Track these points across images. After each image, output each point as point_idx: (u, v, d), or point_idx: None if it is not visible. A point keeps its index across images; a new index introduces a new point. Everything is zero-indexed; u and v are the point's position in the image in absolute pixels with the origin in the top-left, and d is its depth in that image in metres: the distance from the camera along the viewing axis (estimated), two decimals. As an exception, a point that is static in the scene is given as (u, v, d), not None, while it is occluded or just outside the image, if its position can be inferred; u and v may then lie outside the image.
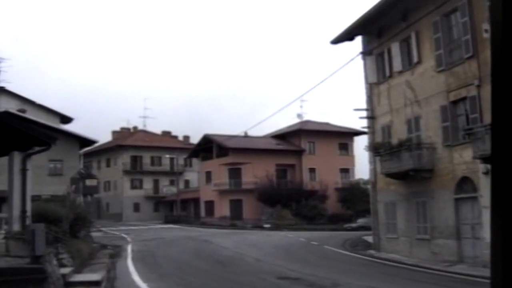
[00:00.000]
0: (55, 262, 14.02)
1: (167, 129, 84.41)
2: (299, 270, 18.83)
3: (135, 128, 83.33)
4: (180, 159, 73.85)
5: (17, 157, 15.14)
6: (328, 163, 60.59)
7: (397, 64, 24.79)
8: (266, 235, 39.61)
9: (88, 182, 31.36)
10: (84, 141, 36.75)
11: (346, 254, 26.09)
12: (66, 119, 41.10)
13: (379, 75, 26.44)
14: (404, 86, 24.26)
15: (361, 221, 48.91)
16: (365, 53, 27.21)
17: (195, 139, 72.90)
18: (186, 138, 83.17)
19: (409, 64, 24.15)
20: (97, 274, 15.87)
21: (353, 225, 48.72)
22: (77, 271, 16.02)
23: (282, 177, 60.32)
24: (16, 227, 14.59)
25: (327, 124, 66.96)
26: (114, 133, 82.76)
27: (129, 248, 27.72)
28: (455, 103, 21.14)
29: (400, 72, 24.67)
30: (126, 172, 74.95)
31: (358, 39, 27.83)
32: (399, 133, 24.39)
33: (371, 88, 27.20)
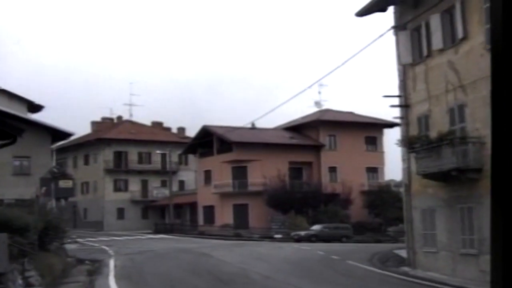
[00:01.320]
0: (20, 281, 13.93)
1: (157, 119, 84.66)
2: (317, 291, 18.69)
3: (119, 118, 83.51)
4: (174, 156, 73.94)
5: (-26, 153, 15.06)
6: (352, 161, 60.45)
7: (438, 41, 24.54)
8: (276, 247, 39.56)
9: (62, 184, 31.31)
10: (57, 134, 36.71)
11: (374, 271, 25.99)
12: (35, 107, 41.08)
13: (415, 55, 26.25)
14: (445, 67, 24.02)
15: (315, 228, 48.26)
16: (398, 28, 27.01)
17: (191, 132, 73.07)
18: (181, 130, 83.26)
19: (452, 41, 23.88)
20: (71, 296, 15.79)
21: (302, 233, 48.04)
22: (47, 291, 15.92)
23: (297, 177, 60.24)
24: (-27, 238, 14.49)
25: (351, 113, 66.76)
26: (94, 124, 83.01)
27: (112, 263, 27.74)
28: (508, 88, 20.87)
29: (441, 51, 24.43)
30: (108, 171, 75.16)
31: (390, 10, 27.59)
32: (439, 125, 24.17)
33: (405, 70, 27.03)
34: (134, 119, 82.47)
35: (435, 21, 24.63)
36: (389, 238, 48.97)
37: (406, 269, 26.11)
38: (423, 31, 25.65)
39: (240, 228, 55.81)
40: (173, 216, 66.62)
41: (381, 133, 64.82)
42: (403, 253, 29.35)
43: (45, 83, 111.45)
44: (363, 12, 27.74)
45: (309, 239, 46.02)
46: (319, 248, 37.45)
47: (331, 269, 25.85)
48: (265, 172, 56.94)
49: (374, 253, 33.13)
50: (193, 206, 66.24)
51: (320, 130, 62.12)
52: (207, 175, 62.79)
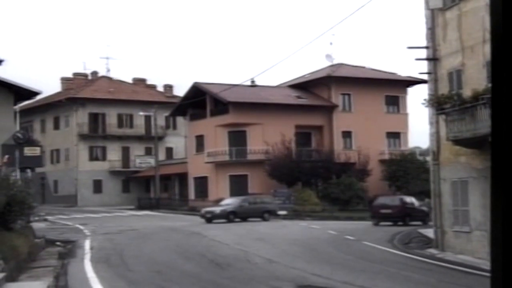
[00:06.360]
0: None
1: (140, 75, 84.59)
2: (328, 276, 18.84)
3: (94, 74, 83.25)
4: (160, 118, 73.83)
5: None
6: (370, 125, 60.49)
7: (474, -20, 24.30)
8: (281, 225, 39.84)
9: (28, 151, 31.21)
10: (21, 92, 36.50)
11: (395, 253, 26.18)
12: (-6, 61, 40.81)
13: (447, -4, 26.04)
14: (483, 12, 23.77)
15: (232, 203, 46.34)
16: (426, -36, 26.74)
17: (180, 90, 73.01)
18: (168, 88, 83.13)
19: (492, -20, 23.64)
20: (40, 283, 15.88)
21: (217, 209, 44.80)
22: (12, 277, 16.01)
23: (304, 144, 60.36)
24: None
25: (368, 69, 66.58)
26: (65, 81, 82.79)
27: (87, 244, 27.99)
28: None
29: (478, -8, 24.20)
30: (82, 137, 75.24)
31: None
32: (475, 82, 24.06)
33: (434, 17, 26.90)
34: (112, 75, 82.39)
35: (471, -44, 24.38)
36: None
37: (433, 251, 26.30)
38: (457, -32, 25.42)
39: (238, 204, 56.04)
40: (160, 189, 66.84)
41: (404, 92, 64.74)
42: (429, 233, 29.63)
43: (4, 32, 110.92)
44: None
45: (227, 217, 43.77)
46: (330, 227, 37.74)
47: (344, 251, 26.04)
48: (267, 138, 56.94)
49: (394, 233, 33.49)
50: (182, 177, 66.46)
51: (332, 88, 62.01)
52: (199, 141, 62.81)
